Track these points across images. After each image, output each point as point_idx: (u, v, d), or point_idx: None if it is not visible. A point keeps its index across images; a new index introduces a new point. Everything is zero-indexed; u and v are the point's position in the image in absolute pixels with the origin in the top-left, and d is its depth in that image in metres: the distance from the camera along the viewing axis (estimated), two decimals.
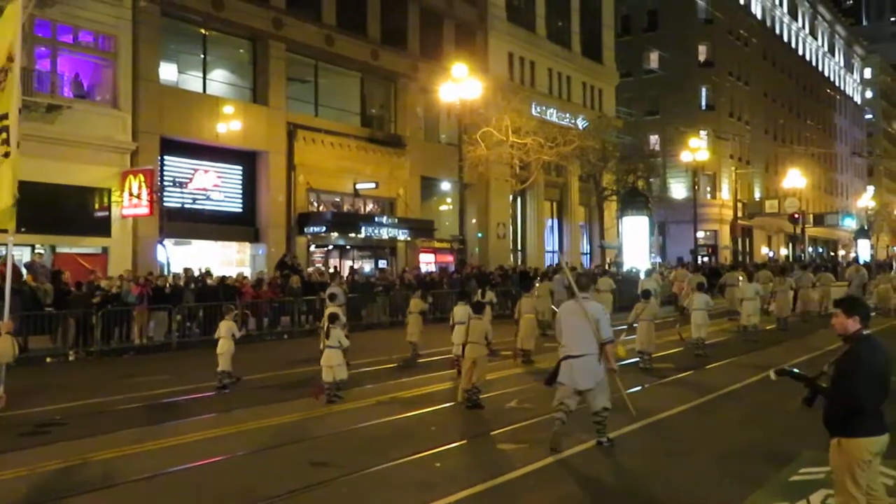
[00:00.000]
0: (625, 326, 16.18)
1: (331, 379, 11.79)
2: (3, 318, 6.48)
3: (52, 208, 21.54)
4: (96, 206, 23.68)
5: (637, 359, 15.05)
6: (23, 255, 21.11)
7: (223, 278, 22.49)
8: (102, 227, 23.64)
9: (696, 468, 8.29)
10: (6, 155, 6.85)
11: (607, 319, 9.05)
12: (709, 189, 57.71)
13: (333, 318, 12.32)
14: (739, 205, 58.50)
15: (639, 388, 12.75)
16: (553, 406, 8.95)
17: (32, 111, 20.72)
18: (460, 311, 13.79)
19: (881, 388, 5.29)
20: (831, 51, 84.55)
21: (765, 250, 64.73)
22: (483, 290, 19.03)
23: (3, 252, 19.71)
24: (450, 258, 34.71)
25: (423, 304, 18.02)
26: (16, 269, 19.05)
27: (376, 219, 31.79)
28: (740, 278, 24.76)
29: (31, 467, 8.20)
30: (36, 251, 21.59)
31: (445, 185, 36.29)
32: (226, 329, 13.41)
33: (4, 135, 6.88)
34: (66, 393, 13.06)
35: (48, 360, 17.27)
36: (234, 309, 15.41)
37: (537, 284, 21.42)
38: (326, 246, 31.48)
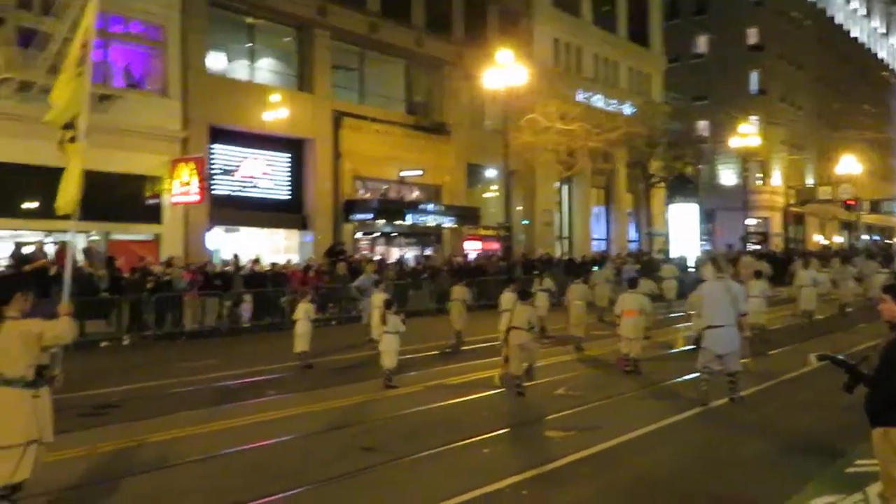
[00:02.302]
0: (683, 313, 16.10)
1: (391, 364, 12.00)
2: (62, 301, 6.64)
3: (106, 196, 21.93)
4: (148, 193, 24.11)
5: (694, 346, 14.83)
6: (78, 242, 21.63)
7: (272, 265, 22.78)
8: (154, 215, 24.08)
9: (751, 457, 8.16)
10: (72, 140, 7.01)
11: (745, 296, 10.98)
12: (759, 175, 56.63)
13: (389, 303, 12.50)
14: (791, 191, 57.24)
15: (697, 374, 12.61)
16: (698, 368, 10.64)
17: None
18: (507, 298, 13.78)
19: None
20: (887, 32, 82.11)
21: (818, 238, 63.38)
22: (541, 276, 18.99)
23: (62, 238, 20.25)
24: (495, 245, 34.64)
25: (466, 292, 18.00)
26: (73, 256, 19.54)
27: (422, 206, 31.84)
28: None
29: (89, 448, 8.40)
30: (91, 238, 22.11)
31: (491, 172, 36.15)
32: (303, 311, 14.22)
33: (76, 121, 7.05)
34: (121, 376, 13.36)
35: (103, 344, 17.67)
36: (310, 292, 16.07)
37: (595, 270, 21.46)
38: (372, 233, 31.64)
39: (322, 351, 15.43)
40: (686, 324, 16.10)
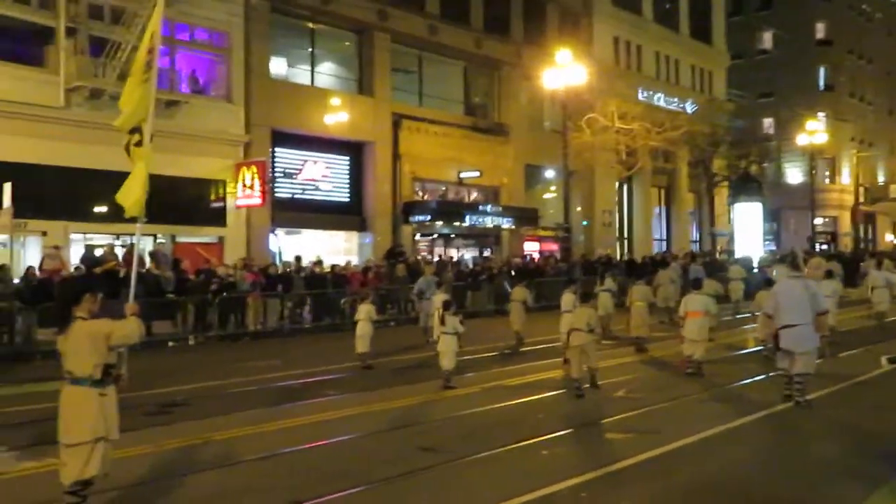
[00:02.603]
0: (750, 314, 15.86)
1: (449, 365, 12.06)
2: (129, 302, 6.84)
3: (172, 199, 22.53)
4: (212, 196, 24.68)
5: (761, 347, 14.67)
6: (146, 245, 22.24)
7: (332, 266, 23.06)
8: (218, 217, 24.63)
9: (817, 461, 7.96)
10: (138, 144, 7.22)
11: (822, 294, 10.70)
12: (827, 173, 55.12)
13: (447, 305, 12.55)
14: (861, 190, 55.49)
15: (762, 376, 12.54)
16: (777, 367, 10.64)
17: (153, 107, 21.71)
18: (567, 299, 13.76)
19: None
20: None
21: (889, 237, 61.33)
22: (603, 277, 18.88)
23: (130, 241, 20.82)
24: (554, 246, 34.43)
25: (526, 293, 17.86)
26: (140, 258, 20.10)
27: (480, 207, 31.86)
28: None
29: (155, 445, 8.63)
30: (158, 240, 22.72)
31: (550, 173, 35.97)
32: (365, 312, 14.31)
33: (142, 125, 7.25)
34: (186, 375, 13.68)
35: (170, 343, 18.13)
36: (371, 293, 16.25)
37: (660, 272, 21.27)
38: (431, 234, 31.77)
39: (381, 352, 15.56)
40: (752, 325, 15.70)
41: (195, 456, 8.36)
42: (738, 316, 21.64)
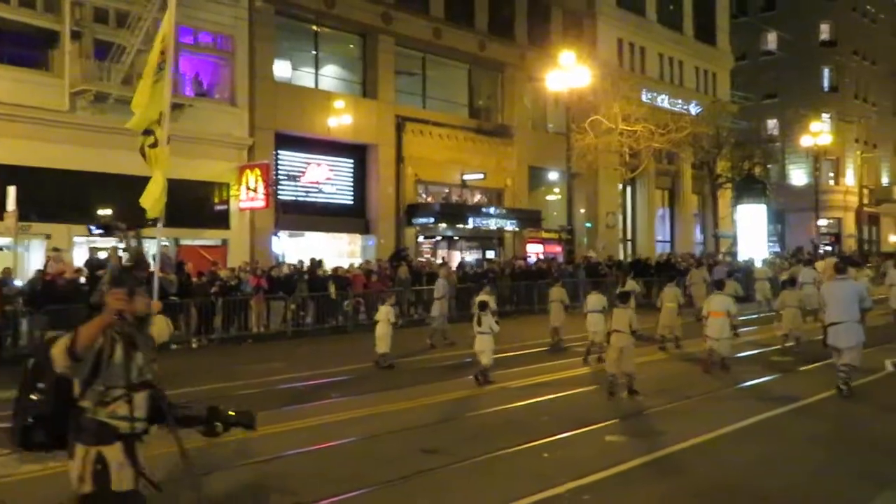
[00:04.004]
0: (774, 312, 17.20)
1: (487, 362, 12.47)
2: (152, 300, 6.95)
3: (176, 202, 22.33)
4: (216, 199, 24.73)
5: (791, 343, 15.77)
6: (150, 248, 22.28)
7: (335, 269, 23.06)
8: (222, 220, 24.67)
9: (828, 460, 7.98)
10: (153, 146, 7.26)
11: (866, 292, 11.55)
12: (831, 175, 54.99)
13: (483, 305, 12.82)
14: (865, 191, 55.38)
15: (777, 375, 13.14)
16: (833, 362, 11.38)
17: None
18: (593, 299, 14.34)
19: None
20: None
21: (893, 238, 61.20)
22: (624, 278, 19.06)
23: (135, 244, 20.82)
24: (558, 248, 34.43)
25: (563, 293, 17.88)
26: (144, 261, 20.12)
27: (484, 209, 31.87)
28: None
29: (158, 449, 8.64)
30: (162, 243, 22.73)
31: (553, 175, 35.97)
32: (384, 313, 14.59)
33: (156, 127, 7.29)
34: (189, 378, 13.66)
35: (172, 346, 18.13)
36: (392, 294, 16.53)
37: (693, 271, 22.55)
38: (435, 237, 31.79)
39: (391, 354, 15.53)
40: (777, 323, 16.62)
41: (199, 459, 8.37)
42: (763, 314, 21.95)
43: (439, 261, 28.33)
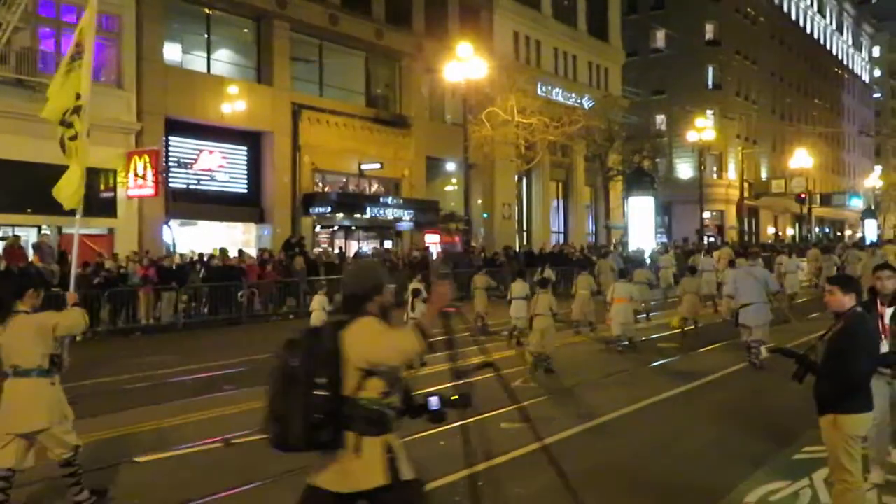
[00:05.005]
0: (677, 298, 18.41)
1: None
2: (69, 291, 7.15)
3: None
4: (102, 186, 23.68)
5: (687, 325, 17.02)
6: (29, 236, 21.20)
7: (225, 258, 22.53)
8: (108, 208, 23.66)
9: (699, 447, 8.32)
10: (73, 138, 7.21)
11: (772, 278, 13.43)
12: (715, 169, 57.49)
13: (417, 292, 13.39)
14: (746, 185, 58.17)
15: (682, 356, 14.34)
16: (742, 342, 12.90)
17: (37, 92, 20.66)
18: (518, 287, 15.05)
19: (873, 365, 5.39)
20: (839, 29, 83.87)
21: (771, 230, 64.56)
22: (543, 267, 20.68)
23: (12, 233, 19.81)
24: (455, 239, 34.70)
25: (488, 280, 19.14)
26: (22, 251, 19.16)
27: (382, 199, 31.78)
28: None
29: (40, 446, 8.25)
30: (42, 232, 21.67)
31: (451, 166, 36.22)
32: (318, 302, 15.10)
33: (74, 119, 7.22)
34: (74, 372, 13.09)
35: None
36: (324, 284, 16.90)
37: (601, 261, 24.21)
38: (332, 227, 31.50)
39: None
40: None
41: (84, 456, 8.05)
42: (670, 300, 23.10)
43: (336, 251, 28.14)
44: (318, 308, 15.08)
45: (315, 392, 3.80)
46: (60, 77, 7.59)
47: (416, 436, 8.51)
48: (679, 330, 16.93)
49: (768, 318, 12.61)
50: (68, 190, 7.54)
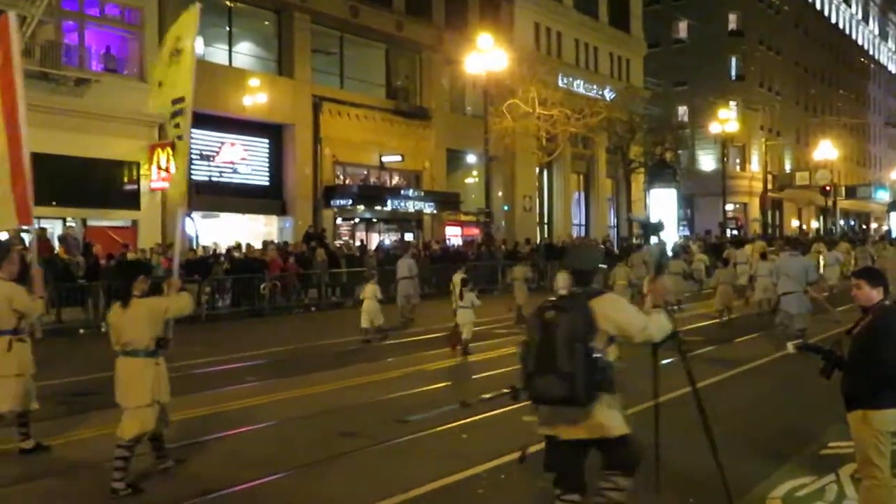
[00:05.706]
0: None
1: (468, 335, 13.54)
2: (172, 277, 7.49)
3: (83, 182, 21.77)
4: (125, 179, 23.90)
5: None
6: (55, 229, 21.41)
7: (247, 249, 22.65)
8: (132, 201, 23.87)
9: (724, 438, 8.25)
10: (180, 137, 7.47)
11: (813, 268, 14.14)
12: (738, 161, 56.98)
13: (465, 282, 13.94)
14: (769, 177, 57.59)
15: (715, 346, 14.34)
16: (776, 323, 13.92)
17: (61, 84, 20.87)
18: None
19: None
20: (865, 18, 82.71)
21: (795, 223, 63.90)
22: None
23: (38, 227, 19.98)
24: (476, 231, 34.68)
25: (527, 270, 19.49)
26: (47, 243, 19.36)
27: (402, 191, 31.79)
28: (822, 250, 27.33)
29: (66, 436, 8.37)
30: (68, 224, 21.89)
31: (471, 158, 36.14)
32: (370, 291, 15.42)
33: (181, 118, 7.33)
34: (98, 363, 13.22)
35: (81, 331, 17.55)
36: (375, 273, 17.21)
37: (632, 255, 23.62)
38: (353, 219, 31.58)
39: (305, 338, 15.42)
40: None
41: (108, 446, 8.13)
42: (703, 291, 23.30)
43: (357, 243, 28.20)
44: (371, 296, 15.33)
45: (592, 355, 4.41)
46: (163, 68, 7.68)
47: (439, 429, 8.57)
48: (718, 321, 17.27)
49: (808, 307, 13.26)
50: (182, 187, 8.15)
